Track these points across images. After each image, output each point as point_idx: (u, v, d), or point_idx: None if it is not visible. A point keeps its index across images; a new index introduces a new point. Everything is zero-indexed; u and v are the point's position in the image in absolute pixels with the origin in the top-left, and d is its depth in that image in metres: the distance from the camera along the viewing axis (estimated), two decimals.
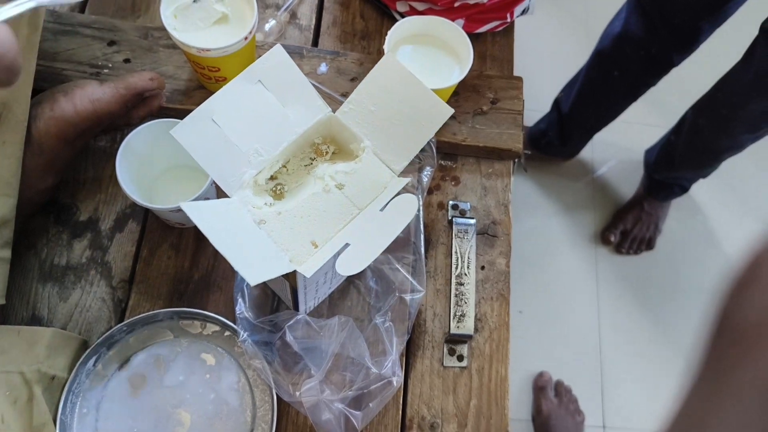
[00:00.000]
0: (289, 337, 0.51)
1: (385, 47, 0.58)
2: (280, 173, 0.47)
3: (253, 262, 0.39)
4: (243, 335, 0.54)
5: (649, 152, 1.41)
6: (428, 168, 0.64)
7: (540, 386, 1.30)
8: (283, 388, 0.52)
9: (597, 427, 1.31)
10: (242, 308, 0.56)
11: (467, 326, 0.59)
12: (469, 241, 0.62)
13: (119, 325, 0.56)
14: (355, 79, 0.68)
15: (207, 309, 0.59)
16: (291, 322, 0.53)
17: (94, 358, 0.56)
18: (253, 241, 0.41)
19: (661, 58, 1.08)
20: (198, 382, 0.58)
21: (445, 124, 0.67)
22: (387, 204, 0.42)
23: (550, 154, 1.46)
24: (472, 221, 0.63)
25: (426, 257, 0.64)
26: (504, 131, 0.67)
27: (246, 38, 0.56)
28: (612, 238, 1.44)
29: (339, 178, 0.44)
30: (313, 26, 0.73)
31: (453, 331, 0.59)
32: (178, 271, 0.62)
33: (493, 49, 0.75)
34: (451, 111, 0.44)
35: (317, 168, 0.46)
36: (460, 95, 0.68)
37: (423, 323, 0.62)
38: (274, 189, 0.46)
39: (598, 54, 1.16)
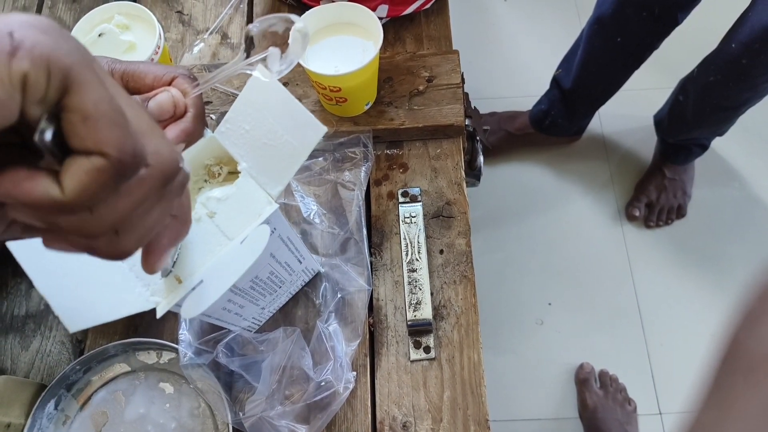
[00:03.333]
0: (221, 358, 0.49)
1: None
2: None
3: (96, 301, 0.35)
4: (184, 358, 0.52)
5: (658, 116, 1.33)
6: (366, 163, 0.62)
7: (582, 379, 1.22)
8: (223, 409, 0.50)
9: (653, 414, 1.21)
10: (184, 330, 0.54)
11: (424, 313, 0.55)
12: (418, 226, 0.59)
13: (72, 364, 0.56)
14: (286, 85, 0.66)
15: (163, 337, 0.58)
16: (226, 340, 0.51)
17: (53, 401, 0.56)
18: (109, 276, 0.37)
19: (664, 17, 1.01)
20: (158, 413, 0.56)
21: (382, 111, 0.65)
22: (246, 237, 0.39)
23: (556, 134, 1.39)
24: (418, 205, 0.60)
25: (381, 250, 0.61)
26: (444, 107, 0.64)
27: (152, 60, 0.56)
28: (636, 213, 1.35)
29: (211, 205, 0.40)
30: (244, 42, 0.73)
31: (410, 320, 0.55)
32: None
33: (429, 29, 0.73)
34: (324, 129, 0.40)
35: (201, 194, 0.43)
36: (394, 80, 0.66)
37: (384, 318, 0.59)
38: None
39: (597, 20, 1.10)
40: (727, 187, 1.40)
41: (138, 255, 0.27)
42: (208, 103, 0.66)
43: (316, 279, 0.60)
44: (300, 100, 0.66)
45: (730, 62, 0.96)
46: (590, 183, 1.43)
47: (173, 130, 0.34)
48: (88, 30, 0.58)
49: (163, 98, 0.34)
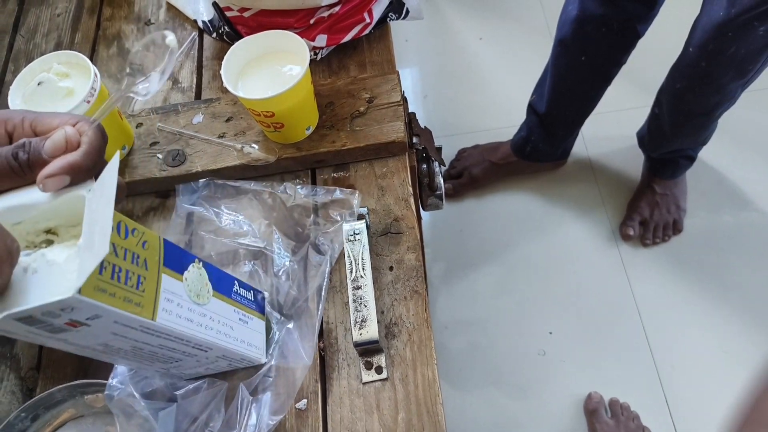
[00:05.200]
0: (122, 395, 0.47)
1: (223, 75, 0.58)
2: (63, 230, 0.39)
3: None
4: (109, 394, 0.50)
5: (640, 133, 1.32)
6: (302, 188, 0.62)
7: (591, 409, 1.16)
8: None
9: None
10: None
11: (370, 331, 0.53)
12: (362, 243, 0.58)
13: (16, 412, 0.54)
14: (231, 119, 0.67)
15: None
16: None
17: None
18: None
19: (624, 31, 1.02)
20: None
21: (324, 134, 0.65)
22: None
23: (539, 160, 1.38)
24: (361, 222, 0.59)
25: (330, 272, 0.60)
26: (385, 125, 0.64)
27: (88, 101, 0.58)
28: (631, 232, 1.31)
29: (39, 261, 0.36)
30: (194, 85, 0.75)
31: (356, 339, 0.53)
32: None
33: (371, 55, 0.74)
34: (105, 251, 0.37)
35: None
36: (335, 104, 0.67)
37: (335, 341, 0.57)
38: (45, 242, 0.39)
39: (560, 43, 1.12)
40: (722, 198, 1.37)
41: None
42: (154, 143, 0.67)
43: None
44: (244, 132, 0.67)
45: (692, 67, 0.96)
46: (581, 206, 1.41)
47: (58, 162, 0.36)
48: (28, 80, 0.60)
49: (56, 135, 0.37)
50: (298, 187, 0.64)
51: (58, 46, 0.81)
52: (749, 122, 1.44)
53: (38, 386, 0.59)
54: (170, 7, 0.82)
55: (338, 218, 0.62)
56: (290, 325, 0.57)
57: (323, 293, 0.58)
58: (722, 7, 0.83)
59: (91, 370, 0.59)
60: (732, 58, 0.89)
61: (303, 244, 0.61)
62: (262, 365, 0.55)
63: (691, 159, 1.27)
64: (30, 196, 0.37)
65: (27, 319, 0.33)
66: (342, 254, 0.61)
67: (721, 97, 1.01)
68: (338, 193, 0.63)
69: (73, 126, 0.38)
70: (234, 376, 0.55)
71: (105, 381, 0.55)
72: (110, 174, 0.35)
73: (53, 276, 0.34)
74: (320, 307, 0.57)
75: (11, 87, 0.60)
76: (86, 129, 0.37)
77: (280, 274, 0.60)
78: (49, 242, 0.37)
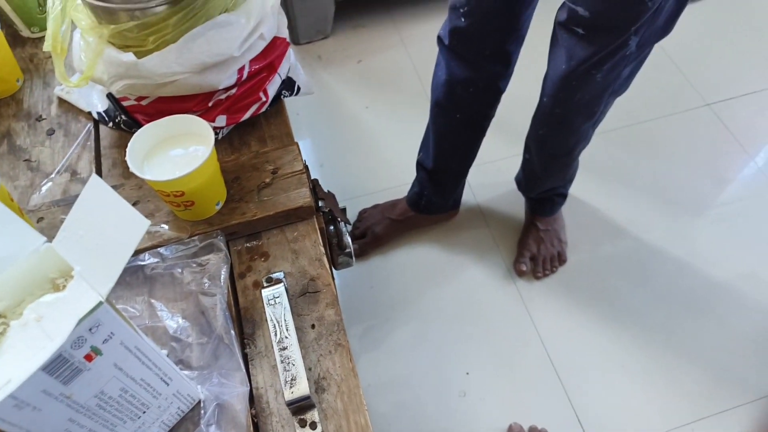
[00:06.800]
0: None
1: (129, 161, 0.60)
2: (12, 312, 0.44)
3: None
4: None
5: (517, 178, 1.46)
6: (224, 266, 0.64)
7: None
8: None
9: None
10: None
11: (301, 388, 0.56)
12: (282, 305, 0.60)
13: None
14: (137, 203, 0.69)
15: None
16: None
17: None
18: None
19: (489, 88, 1.15)
20: None
21: (234, 207, 0.68)
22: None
23: (435, 212, 1.48)
24: (279, 285, 0.62)
25: (254, 339, 0.62)
26: (291, 193, 0.69)
27: None
28: (523, 268, 1.43)
29: (40, 310, 0.40)
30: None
31: (288, 398, 0.55)
32: None
33: (270, 130, 0.79)
34: (148, 222, 0.43)
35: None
36: (242, 178, 0.70)
37: (267, 406, 0.58)
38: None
39: (435, 105, 1.23)
40: (598, 228, 1.53)
41: None
42: (40, 219, 0.66)
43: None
44: (152, 215, 0.68)
45: (548, 114, 1.11)
46: (477, 250, 1.51)
47: None
48: None
49: None
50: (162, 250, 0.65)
51: None
52: (609, 159, 1.64)
53: None
54: (62, 102, 0.83)
55: (213, 260, 0.64)
56: (210, 373, 0.58)
57: (229, 323, 0.59)
58: (563, 62, 0.98)
59: None
60: (579, 103, 1.05)
61: (187, 300, 0.63)
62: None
63: (564, 196, 1.42)
64: None
65: (53, 363, 0.37)
66: (264, 319, 0.63)
67: (577, 138, 1.16)
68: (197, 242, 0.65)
69: None
70: None
71: None
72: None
73: (69, 308, 0.39)
74: (232, 334, 0.59)
75: None
76: None
77: (180, 334, 0.61)
78: (4, 326, 0.39)
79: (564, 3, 0.92)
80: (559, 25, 0.96)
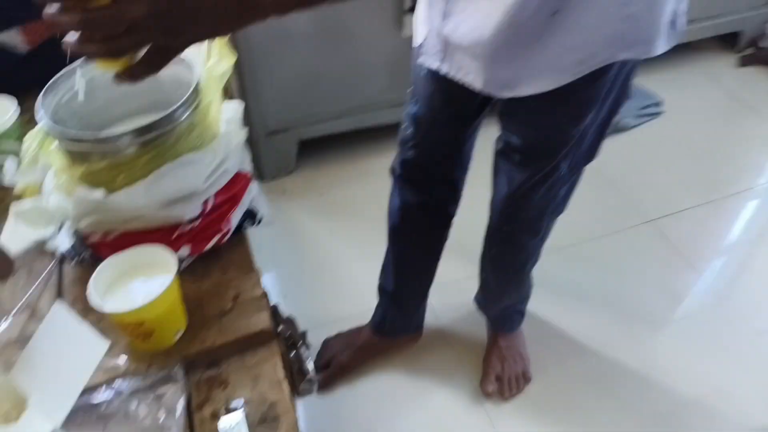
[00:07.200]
0: None
1: (91, 295, 0.61)
2: None
3: None
4: None
5: (476, 297, 1.51)
6: (180, 398, 0.63)
7: None
8: None
9: None
10: None
11: None
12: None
13: None
14: None
15: None
16: None
17: None
18: None
19: (439, 212, 1.24)
20: None
21: (193, 335, 0.69)
22: None
23: (399, 334, 1.49)
24: (238, 411, 0.61)
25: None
26: (251, 318, 0.70)
27: None
28: (490, 388, 1.42)
29: None
30: None
31: None
32: None
33: (233, 257, 0.82)
34: (107, 343, 0.45)
35: None
36: (203, 305, 0.72)
37: None
38: None
39: (392, 230, 1.30)
40: (557, 343, 1.56)
41: None
42: None
43: None
44: (110, 348, 0.68)
45: (497, 231, 1.19)
46: (444, 372, 1.50)
47: None
48: None
49: None
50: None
51: None
52: (564, 276, 1.71)
53: None
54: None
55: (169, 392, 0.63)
56: None
57: None
58: (504, 185, 1.08)
59: None
60: (523, 221, 1.13)
61: None
62: None
63: (521, 313, 1.46)
64: None
65: None
66: None
67: (526, 254, 1.23)
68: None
69: None
70: None
71: None
72: None
73: None
74: None
75: None
76: None
77: None
78: None
79: (500, 134, 1.03)
80: (497, 153, 1.06)
